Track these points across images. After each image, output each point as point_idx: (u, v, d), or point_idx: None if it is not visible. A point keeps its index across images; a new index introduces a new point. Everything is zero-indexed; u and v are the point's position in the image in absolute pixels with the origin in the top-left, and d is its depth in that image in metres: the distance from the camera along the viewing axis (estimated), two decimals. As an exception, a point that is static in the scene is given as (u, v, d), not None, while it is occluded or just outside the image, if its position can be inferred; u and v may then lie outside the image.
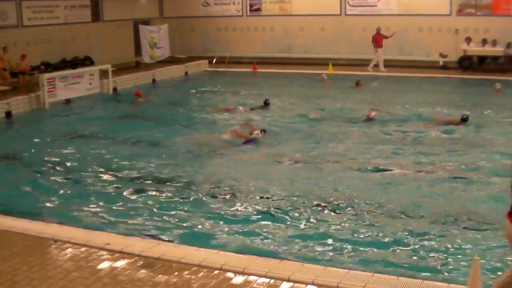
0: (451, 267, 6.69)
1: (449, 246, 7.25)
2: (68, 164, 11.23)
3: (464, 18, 23.89)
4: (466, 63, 23.25)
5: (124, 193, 9.43)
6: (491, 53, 22.95)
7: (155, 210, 8.65)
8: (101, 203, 8.97)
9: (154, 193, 9.45)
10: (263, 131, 13.03)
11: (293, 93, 19.78)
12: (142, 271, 6.15)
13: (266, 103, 16.82)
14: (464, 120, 14.15)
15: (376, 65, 23.59)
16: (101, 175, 10.52)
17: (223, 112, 16.40)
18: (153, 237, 7.51)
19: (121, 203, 8.96)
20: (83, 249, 6.75)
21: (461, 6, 23.99)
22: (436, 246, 7.26)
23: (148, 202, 8.99)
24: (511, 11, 23.13)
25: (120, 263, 6.35)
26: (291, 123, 14.86)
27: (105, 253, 6.62)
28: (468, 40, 23.30)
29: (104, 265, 6.32)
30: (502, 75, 20.94)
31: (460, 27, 23.86)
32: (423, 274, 6.37)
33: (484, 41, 22.96)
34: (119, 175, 10.46)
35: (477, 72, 22.49)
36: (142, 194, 9.36)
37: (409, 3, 24.66)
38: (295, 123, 14.92)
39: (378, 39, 23.31)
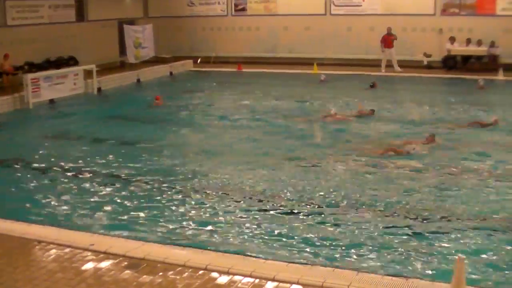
0: (436, 265, 6.72)
1: (435, 244, 7.28)
2: (52, 164, 11.14)
3: (448, 18, 24.10)
4: (450, 63, 23.42)
5: (110, 193, 9.38)
6: (474, 52, 23.16)
7: (138, 210, 8.59)
8: (85, 204, 8.90)
9: (138, 192, 9.40)
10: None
11: (320, 97, 18.40)
12: (127, 271, 6.14)
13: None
14: None
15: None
16: (85, 175, 10.45)
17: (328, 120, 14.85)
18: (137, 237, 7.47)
19: (106, 203, 8.89)
20: (67, 250, 6.72)
21: (446, 6, 24.17)
22: (421, 244, 7.29)
23: (132, 202, 8.94)
24: (494, 11, 23.34)
25: (105, 264, 6.33)
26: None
27: (89, 253, 6.60)
28: (452, 39, 23.48)
29: (89, 266, 6.29)
30: (486, 74, 21.01)
31: (444, 27, 24.05)
32: (408, 272, 6.41)
33: (469, 41, 23.15)
34: (104, 175, 10.39)
35: (461, 71, 22.65)
36: (126, 194, 9.30)
37: (394, 3, 24.79)
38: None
39: (388, 39, 23.23)
